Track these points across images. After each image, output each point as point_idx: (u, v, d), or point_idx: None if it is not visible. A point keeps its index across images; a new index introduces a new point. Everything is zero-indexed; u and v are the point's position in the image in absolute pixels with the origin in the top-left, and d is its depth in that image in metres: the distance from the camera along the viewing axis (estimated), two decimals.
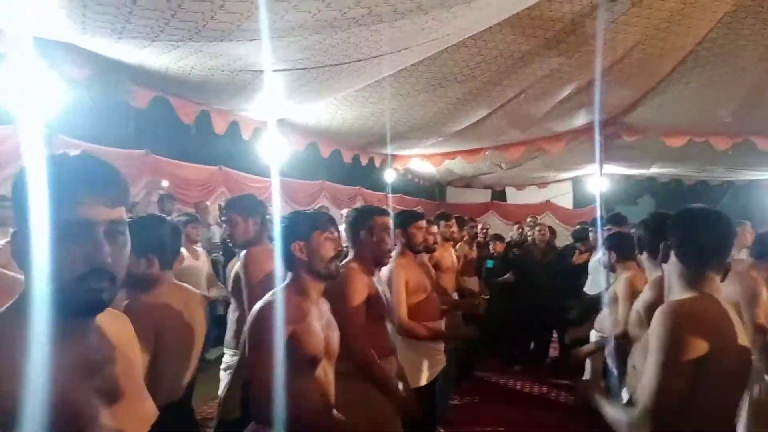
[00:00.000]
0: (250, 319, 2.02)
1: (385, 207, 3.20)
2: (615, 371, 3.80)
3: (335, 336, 2.20)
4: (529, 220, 8.80)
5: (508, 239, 8.11)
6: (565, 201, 14.55)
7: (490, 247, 7.30)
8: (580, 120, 7.65)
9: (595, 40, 5.01)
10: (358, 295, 2.70)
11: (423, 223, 3.77)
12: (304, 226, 2.15)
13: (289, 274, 2.16)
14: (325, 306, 2.26)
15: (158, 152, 7.14)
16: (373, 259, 2.89)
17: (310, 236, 2.12)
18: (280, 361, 1.89)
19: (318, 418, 2.05)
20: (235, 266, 3.27)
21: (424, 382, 3.49)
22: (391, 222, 2.99)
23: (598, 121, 7.20)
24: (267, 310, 1.98)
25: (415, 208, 10.87)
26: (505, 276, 6.73)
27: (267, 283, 2.68)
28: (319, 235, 2.13)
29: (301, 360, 1.98)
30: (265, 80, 4.81)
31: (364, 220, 2.91)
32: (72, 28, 3.47)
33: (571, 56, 5.42)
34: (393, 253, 3.58)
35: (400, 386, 2.90)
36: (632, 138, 8.12)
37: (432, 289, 3.76)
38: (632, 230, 6.29)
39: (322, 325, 2.13)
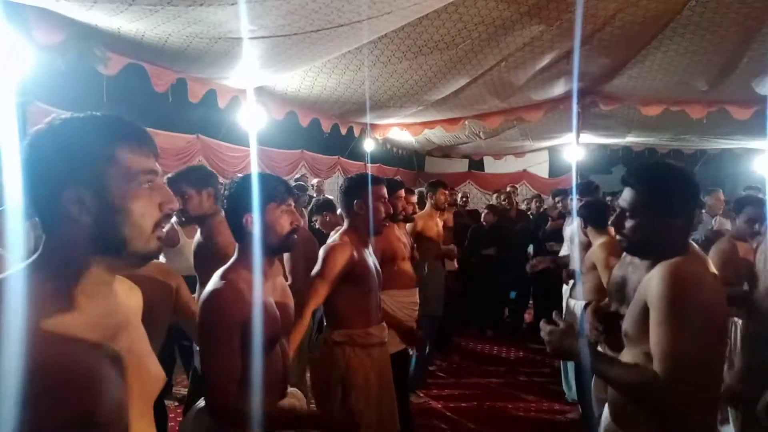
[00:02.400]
0: (201, 305, 1.86)
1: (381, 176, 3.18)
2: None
3: (290, 306, 2.12)
4: (508, 188, 8.93)
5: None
6: (542, 170, 14.66)
7: (482, 217, 7.30)
8: (559, 89, 7.67)
9: (576, 8, 5.01)
10: (337, 268, 2.68)
11: (403, 192, 3.89)
12: (260, 195, 1.93)
13: (239, 247, 1.99)
14: (278, 275, 2.13)
15: (134, 120, 6.97)
16: (366, 229, 2.85)
17: (265, 209, 1.93)
18: (239, 350, 1.81)
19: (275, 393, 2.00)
20: (196, 239, 3.15)
21: (394, 349, 3.57)
22: (384, 190, 2.95)
23: (576, 90, 7.23)
24: (218, 298, 1.83)
25: (394, 178, 10.89)
26: (489, 250, 6.81)
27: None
28: (274, 208, 1.95)
29: (261, 343, 1.86)
30: (244, 48, 4.72)
31: (358, 189, 2.85)
32: None
33: (552, 24, 5.41)
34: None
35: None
36: (609, 107, 8.19)
37: (405, 259, 3.86)
38: (608, 198, 6.42)
39: (276, 298, 2.03)
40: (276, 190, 1.98)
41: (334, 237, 2.87)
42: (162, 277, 2.27)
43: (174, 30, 4.21)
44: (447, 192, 5.39)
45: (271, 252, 1.99)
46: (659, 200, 1.73)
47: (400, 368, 3.97)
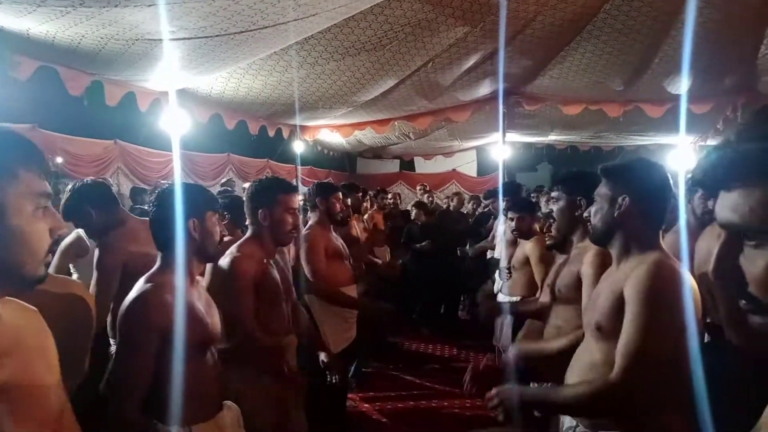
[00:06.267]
0: (124, 310, 1.79)
1: (291, 181, 3.05)
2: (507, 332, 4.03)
3: (216, 315, 2.06)
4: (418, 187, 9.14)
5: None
6: (470, 169, 14.97)
7: (413, 215, 7.33)
8: (484, 89, 7.84)
9: (499, 10, 5.12)
10: (248, 281, 2.49)
11: (341, 195, 3.94)
12: (200, 203, 1.97)
13: (165, 254, 1.92)
14: (202, 286, 2.11)
15: (47, 126, 6.61)
16: (272, 239, 2.65)
17: (205, 215, 1.96)
18: (172, 352, 1.75)
19: (210, 402, 1.95)
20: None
21: (333, 350, 3.54)
22: (296, 199, 2.76)
23: (501, 91, 7.41)
24: (143, 300, 1.77)
25: (326, 180, 10.83)
26: (423, 244, 6.86)
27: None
28: (212, 216, 2.00)
29: (192, 347, 1.82)
30: (163, 49, 4.55)
31: (267, 195, 2.64)
32: None
33: (476, 26, 5.51)
34: (310, 222, 3.83)
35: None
36: (533, 107, 8.44)
37: (346, 257, 3.92)
38: (533, 195, 6.59)
39: (203, 306, 1.98)
40: (212, 199, 2.05)
41: (231, 249, 2.62)
42: (82, 295, 2.12)
43: (87, 32, 4.01)
44: (358, 195, 5.51)
45: (203, 258, 2.02)
46: (630, 191, 1.74)
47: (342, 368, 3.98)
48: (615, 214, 1.75)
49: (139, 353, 1.75)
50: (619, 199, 1.74)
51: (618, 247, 1.79)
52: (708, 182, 0.70)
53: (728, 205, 0.67)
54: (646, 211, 1.73)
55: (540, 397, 1.82)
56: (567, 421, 1.84)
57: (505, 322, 4.44)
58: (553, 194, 2.64)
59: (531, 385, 2.24)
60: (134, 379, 1.74)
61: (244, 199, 2.77)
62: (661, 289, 1.58)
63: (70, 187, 2.99)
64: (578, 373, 1.84)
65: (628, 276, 1.66)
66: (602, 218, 1.80)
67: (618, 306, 1.67)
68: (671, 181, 1.77)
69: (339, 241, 3.92)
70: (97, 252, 2.88)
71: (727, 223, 0.69)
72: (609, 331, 1.72)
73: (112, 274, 2.79)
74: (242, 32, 4.38)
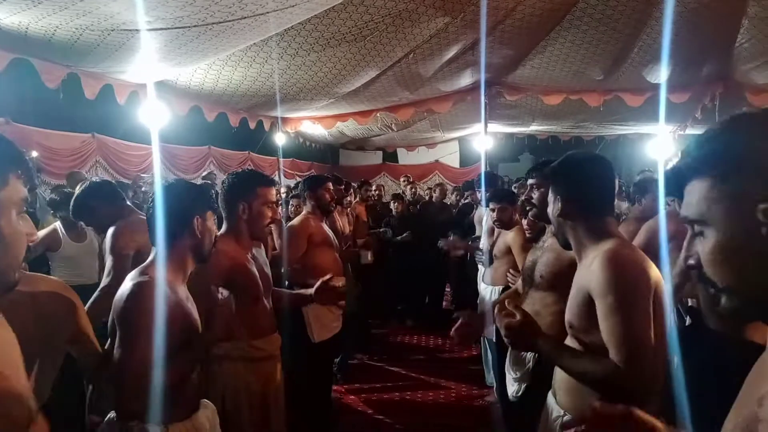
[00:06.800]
0: (122, 301, 1.75)
1: (273, 174, 3.01)
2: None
3: (197, 314, 2.04)
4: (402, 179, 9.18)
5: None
6: (453, 160, 15.01)
7: (392, 205, 7.37)
8: (466, 80, 7.84)
9: (479, 0, 5.11)
10: (220, 280, 2.41)
11: (331, 185, 4.13)
12: (204, 201, 1.97)
13: (162, 250, 1.89)
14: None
15: (22, 120, 6.48)
16: (249, 234, 2.61)
17: (206, 214, 1.96)
18: (161, 348, 1.70)
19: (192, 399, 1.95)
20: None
21: (315, 339, 3.63)
22: (274, 192, 2.70)
23: (483, 81, 7.41)
24: (145, 291, 1.74)
25: (308, 172, 10.77)
26: (403, 235, 6.86)
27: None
28: (211, 215, 2.00)
29: (180, 344, 1.81)
30: (141, 40, 4.48)
31: (245, 189, 2.58)
32: None
33: (457, 16, 5.50)
34: (303, 213, 4.03)
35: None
36: (514, 97, 8.45)
37: (336, 248, 4.05)
38: (514, 186, 6.62)
39: (191, 304, 1.97)
40: (212, 199, 2.05)
41: None
42: (63, 293, 2.06)
43: (61, 22, 3.94)
44: (341, 188, 5.56)
45: (199, 258, 1.99)
46: (571, 186, 1.79)
47: (326, 359, 3.99)
48: (556, 215, 1.82)
49: (146, 343, 1.69)
50: (555, 201, 1.82)
51: (574, 245, 1.83)
52: (673, 192, 0.85)
53: (684, 201, 0.82)
54: (582, 207, 1.77)
55: (555, 348, 1.76)
56: (555, 410, 1.84)
57: (489, 313, 4.47)
58: (531, 181, 2.64)
59: None
60: (141, 370, 1.68)
61: (221, 192, 2.68)
62: (619, 278, 1.59)
63: (78, 187, 3.23)
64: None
65: (589, 271, 1.67)
66: (551, 218, 1.88)
67: (584, 303, 1.69)
68: (606, 171, 1.80)
69: (329, 232, 4.02)
70: (109, 240, 3.04)
71: (682, 217, 0.83)
72: (578, 328, 1.75)
73: (127, 258, 2.96)
74: (221, 23, 4.33)
